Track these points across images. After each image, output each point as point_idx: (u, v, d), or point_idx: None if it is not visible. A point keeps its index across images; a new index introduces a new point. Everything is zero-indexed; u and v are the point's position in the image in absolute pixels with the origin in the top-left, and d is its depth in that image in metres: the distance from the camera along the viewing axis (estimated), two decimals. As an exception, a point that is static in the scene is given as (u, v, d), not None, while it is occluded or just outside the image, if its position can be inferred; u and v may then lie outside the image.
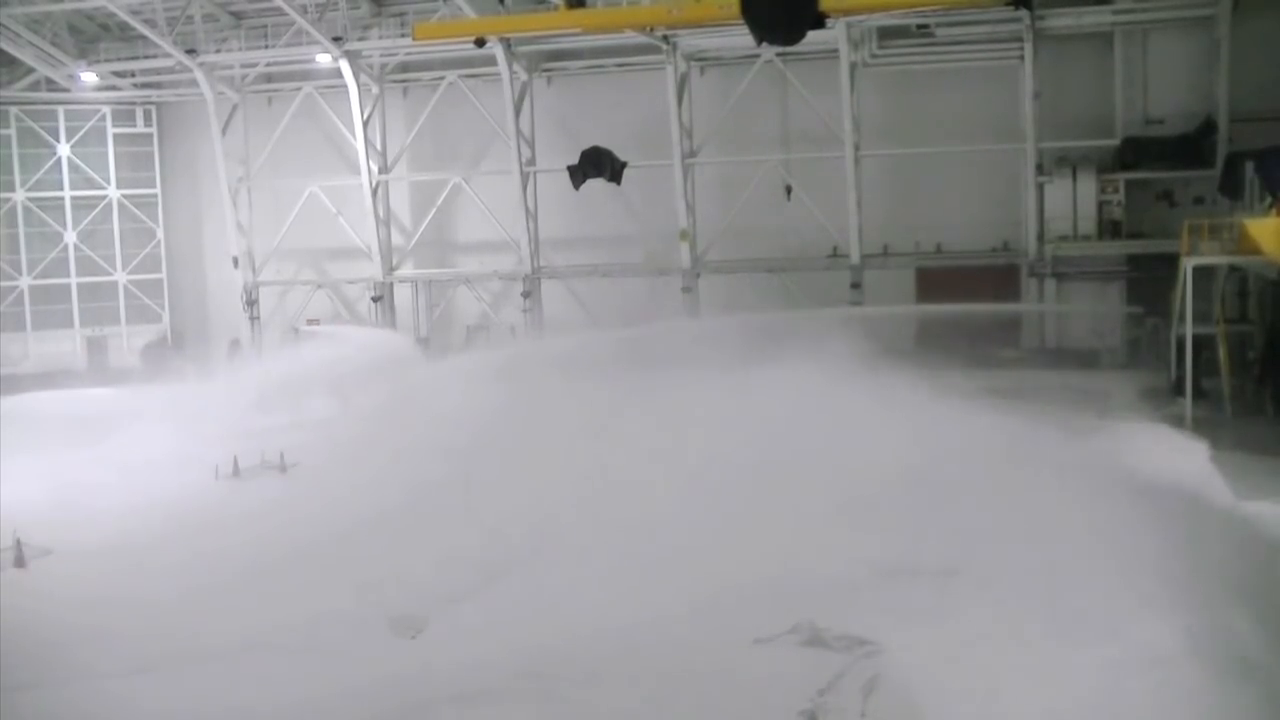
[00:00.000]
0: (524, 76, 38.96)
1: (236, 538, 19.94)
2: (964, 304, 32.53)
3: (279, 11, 37.72)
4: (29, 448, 27.76)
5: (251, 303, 42.94)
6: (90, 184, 43.83)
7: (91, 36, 41.39)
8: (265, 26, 39.85)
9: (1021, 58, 34.29)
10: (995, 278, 35.81)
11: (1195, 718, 11.22)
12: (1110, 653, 12.46)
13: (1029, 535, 15.78)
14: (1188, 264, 26.33)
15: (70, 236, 43.66)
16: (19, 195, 43.07)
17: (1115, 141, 34.48)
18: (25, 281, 43.38)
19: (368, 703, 12.70)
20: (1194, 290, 26.19)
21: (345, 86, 39.55)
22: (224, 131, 41.67)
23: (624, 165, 36.81)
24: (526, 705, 12.47)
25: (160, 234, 44.70)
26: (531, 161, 39.16)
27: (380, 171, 41.00)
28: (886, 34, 36.05)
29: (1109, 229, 34.31)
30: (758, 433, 20.98)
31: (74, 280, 43.78)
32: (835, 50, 34.80)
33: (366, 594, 16.63)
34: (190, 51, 39.25)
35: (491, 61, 37.99)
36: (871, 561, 16.21)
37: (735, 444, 20.64)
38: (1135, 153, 34.08)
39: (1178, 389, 27.00)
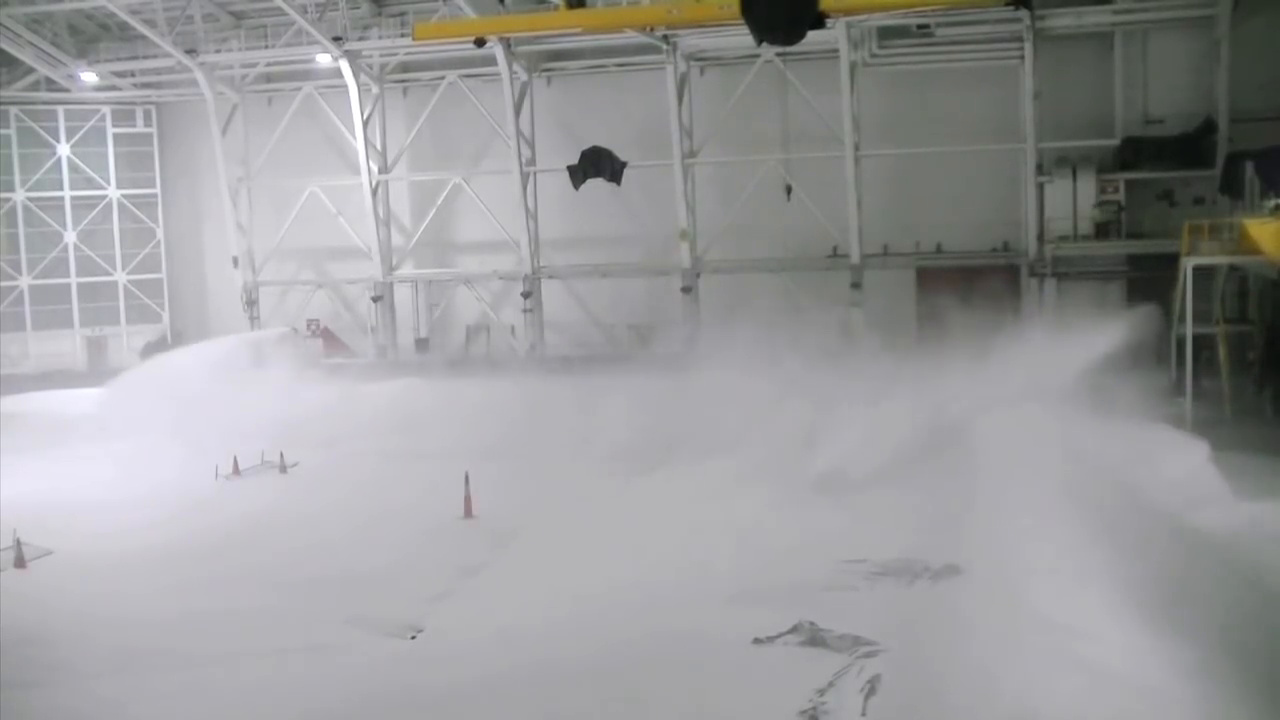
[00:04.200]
0: (524, 76, 38.95)
1: (235, 538, 19.99)
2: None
3: (279, 11, 37.72)
4: (29, 448, 27.85)
5: (251, 303, 42.93)
6: (90, 184, 43.79)
7: (91, 36, 41.38)
8: (265, 26, 39.85)
9: (1021, 58, 34.26)
10: (995, 278, 35.76)
11: None
12: None
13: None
14: (1188, 264, 26.35)
15: (70, 236, 43.64)
16: (19, 195, 43.04)
17: (1115, 141, 34.48)
18: (25, 281, 43.35)
19: (365, 703, 12.69)
20: (1194, 290, 26.20)
21: (345, 86, 39.53)
22: (224, 131, 41.67)
23: (624, 165, 36.83)
24: (522, 703, 12.46)
25: (160, 234, 44.68)
26: (531, 161, 39.16)
27: (380, 171, 40.99)
28: (886, 34, 36.03)
29: (1109, 229, 34.30)
30: None
31: (74, 280, 43.75)
32: (835, 50, 34.79)
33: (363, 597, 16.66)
34: (190, 51, 39.25)
35: (491, 61, 37.99)
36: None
37: None
38: (1135, 153, 34.05)
39: (1178, 389, 27.00)
